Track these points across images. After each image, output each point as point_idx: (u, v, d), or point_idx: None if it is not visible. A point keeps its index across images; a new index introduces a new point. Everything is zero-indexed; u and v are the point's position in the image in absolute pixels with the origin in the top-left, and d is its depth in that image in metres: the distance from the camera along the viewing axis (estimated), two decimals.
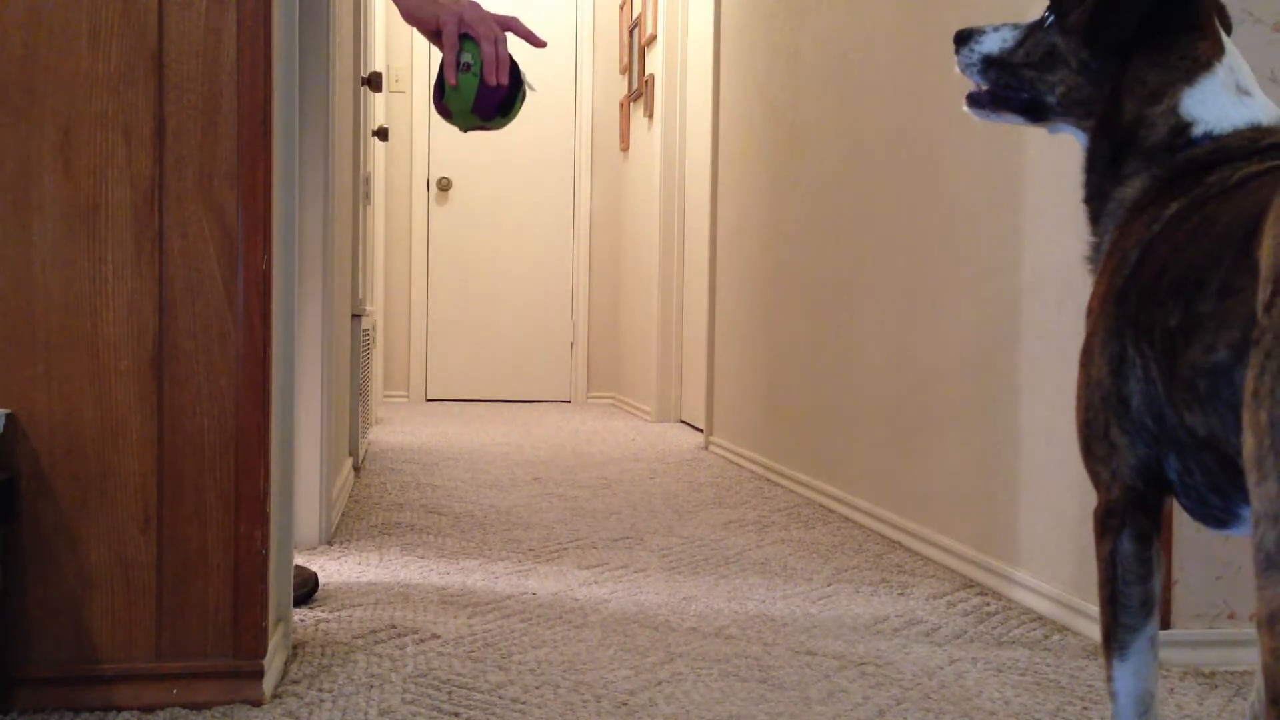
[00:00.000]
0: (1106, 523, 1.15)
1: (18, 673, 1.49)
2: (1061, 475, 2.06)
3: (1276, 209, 0.89)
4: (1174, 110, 1.17)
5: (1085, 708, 1.61)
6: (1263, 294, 0.86)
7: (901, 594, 2.25)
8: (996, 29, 1.33)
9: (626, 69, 6.41)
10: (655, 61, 5.69)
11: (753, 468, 3.94)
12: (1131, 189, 1.19)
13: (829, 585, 2.32)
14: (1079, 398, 1.17)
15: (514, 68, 1.65)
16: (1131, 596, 1.15)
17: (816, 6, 3.42)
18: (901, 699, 1.64)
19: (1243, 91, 1.16)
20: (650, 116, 5.81)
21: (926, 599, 2.22)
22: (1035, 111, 1.31)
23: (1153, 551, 1.15)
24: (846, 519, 3.05)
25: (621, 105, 6.55)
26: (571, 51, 6.73)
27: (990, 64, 1.32)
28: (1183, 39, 1.18)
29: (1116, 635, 1.15)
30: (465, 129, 1.68)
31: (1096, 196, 1.24)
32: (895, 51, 2.84)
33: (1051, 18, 1.27)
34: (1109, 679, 1.16)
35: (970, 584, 2.34)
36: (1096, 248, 1.24)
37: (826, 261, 3.30)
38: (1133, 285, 1.11)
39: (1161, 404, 1.07)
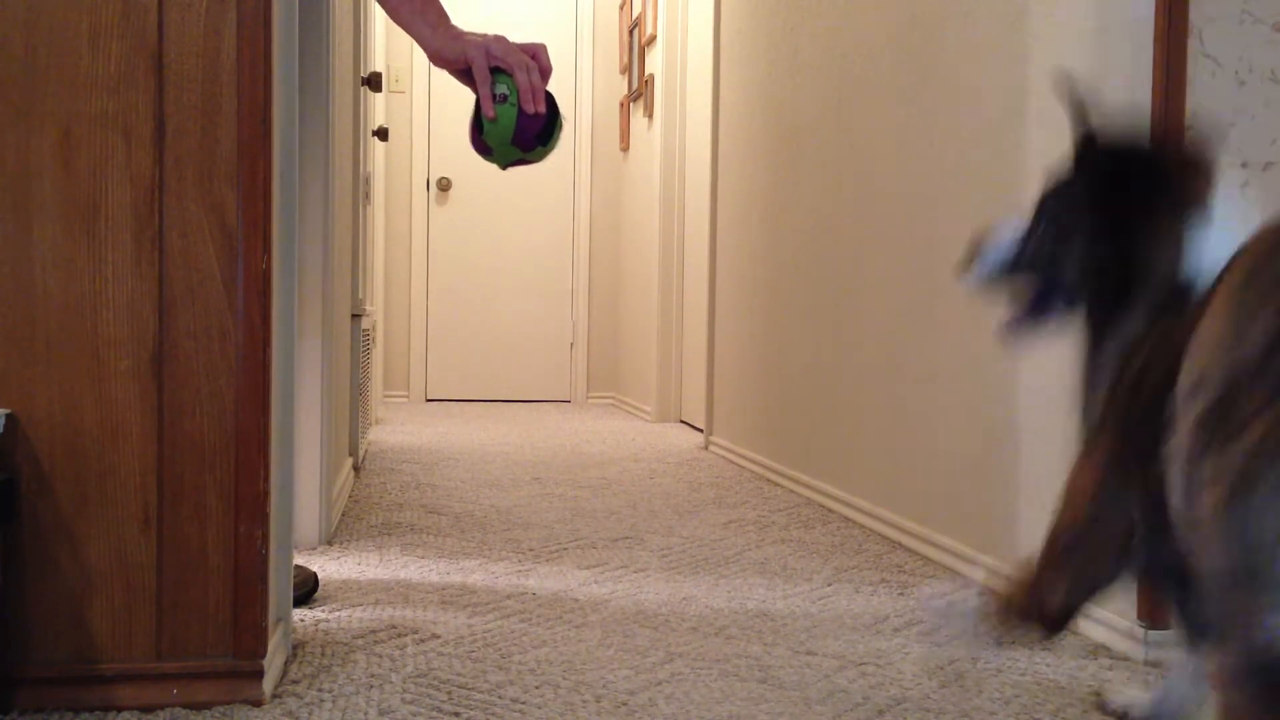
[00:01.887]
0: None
1: (18, 673, 1.49)
2: (1061, 475, 2.06)
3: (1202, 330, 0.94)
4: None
5: (1085, 708, 1.61)
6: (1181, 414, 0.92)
7: (901, 594, 2.25)
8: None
9: (626, 69, 6.41)
10: (655, 61, 5.69)
11: (753, 468, 3.94)
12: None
13: (829, 585, 2.32)
14: None
15: (549, 95, 1.62)
16: None
17: (816, 6, 3.42)
18: (901, 699, 1.64)
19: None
20: (650, 116, 5.81)
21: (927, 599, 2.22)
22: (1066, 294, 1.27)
23: None
24: (846, 519, 3.05)
25: (621, 105, 6.55)
26: (571, 51, 6.73)
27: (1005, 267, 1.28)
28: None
29: None
30: (505, 165, 1.63)
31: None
32: (895, 51, 2.84)
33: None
34: None
35: (970, 584, 2.34)
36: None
37: (827, 261, 3.30)
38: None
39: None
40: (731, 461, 4.19)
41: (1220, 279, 0.98)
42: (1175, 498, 0.93)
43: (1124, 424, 1.13)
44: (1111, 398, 1.17)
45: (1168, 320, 1.13)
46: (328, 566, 2.37)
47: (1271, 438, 0.84)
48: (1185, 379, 0.94)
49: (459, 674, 1.71)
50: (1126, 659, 1.85)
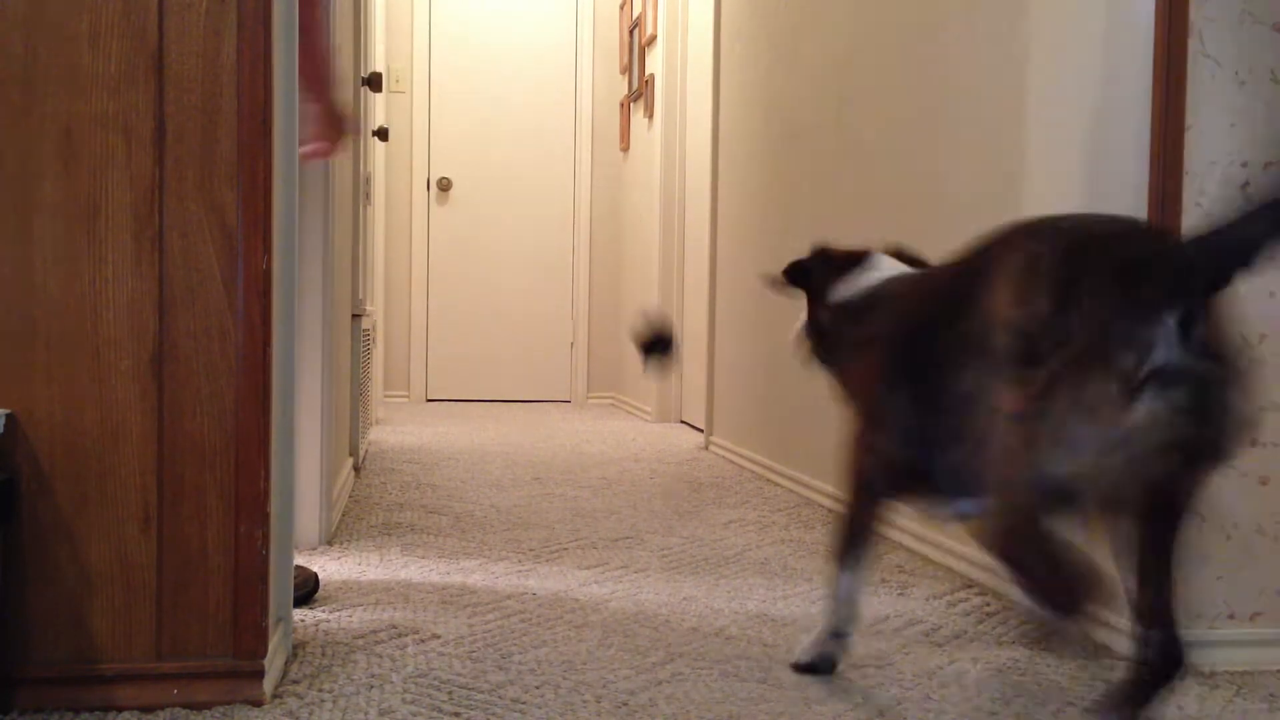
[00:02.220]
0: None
1: (18, 673, 1.49)
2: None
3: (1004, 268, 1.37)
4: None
5: (1085, 708, 1.61)
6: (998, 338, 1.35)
7: (901, 594, 2.25)
8: None
9: (626, 69, 6.41)
10: (655, 61, 5.69)
11: (753, 468, 3.94)
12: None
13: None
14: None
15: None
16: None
17: (816, 6, 3.42)
18: (901, 699, 1.64)
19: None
20: (650, 116, 5.81)
21: (926, 599, 2.22)
22: None
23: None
24: None
25: (621, 105, 6.55)
26: (571, 51, 6.73)
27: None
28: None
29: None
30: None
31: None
32: (895, 51, 2.84)
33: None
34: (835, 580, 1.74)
35: (970, 584, 2.34)
36: None
37: None
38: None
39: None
40: (731, 461, 4.19)
41: (987, 264, 1.41)
42: (980, 398, 1.36)
43: (889, 348, 1.62)
44: (864, 334, 1.75)
45: (890, 294, 1.76)
46: (328, 566, 2.37)
47: (1064, 368, 1.24)
48: (980, 325, 1.37)
49: (459, 674, 1.71)
50: (1127, 659, 1.84)
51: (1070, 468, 1.26)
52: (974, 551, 2.38)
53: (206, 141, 1.52)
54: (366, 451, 4.11)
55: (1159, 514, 1.38)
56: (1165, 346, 1.22)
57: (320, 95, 2.05)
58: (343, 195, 3.02)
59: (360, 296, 3.50)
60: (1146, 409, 1.22)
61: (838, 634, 1.76)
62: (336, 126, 2.09)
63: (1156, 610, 1.43)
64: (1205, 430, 1.25)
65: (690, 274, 5.39)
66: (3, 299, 1.48)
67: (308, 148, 2.08)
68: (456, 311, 6.68)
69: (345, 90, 2.99)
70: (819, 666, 1.77)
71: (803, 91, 3.54)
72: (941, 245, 2.58)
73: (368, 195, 4.03)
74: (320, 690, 1.62)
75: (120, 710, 1.51)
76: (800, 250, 2.25)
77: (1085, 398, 1.23)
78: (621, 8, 6.58)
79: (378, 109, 4.99)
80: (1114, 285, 1.25)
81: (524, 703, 1.59)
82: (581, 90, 6.73)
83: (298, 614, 1.99)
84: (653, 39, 5.76)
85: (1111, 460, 1.25)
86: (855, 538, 1.72)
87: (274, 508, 1.63)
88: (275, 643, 1.65)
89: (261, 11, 1.53)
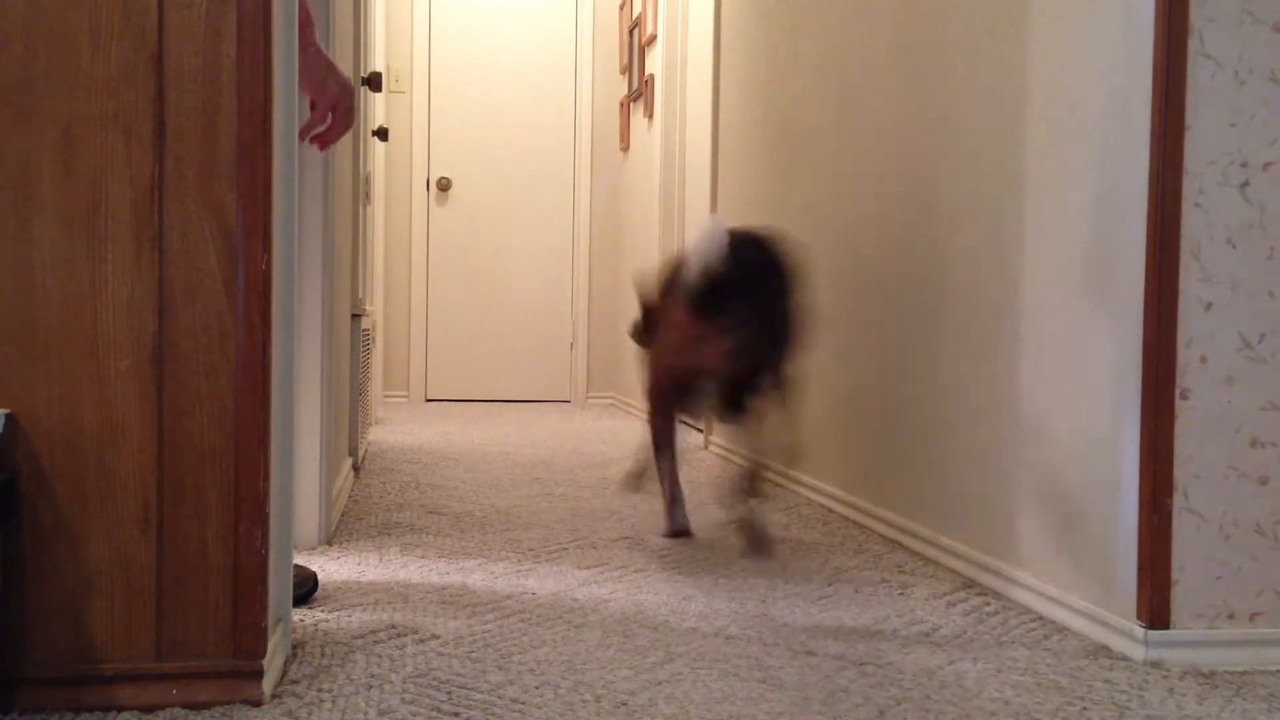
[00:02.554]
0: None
1: (18, 673, 1.49)
2: (1062, 475, 2.06)
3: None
4: None
5: (1085, 708, 1.62)
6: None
7: (901, 594, 2.25)
8: None
9: (626, 69, 6.41)
10: (655, 61, 5.69)
11: None
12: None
13: (829, 585, 2.32)
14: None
15: None
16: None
17: (816, 6, 3.42)
18: (901, 699, 1.64)
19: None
20: (650, 116, 5.81)
21: (926, 599, 2.22)
22: None
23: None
24: (846, 519, 3.05)
25: (621, 105, 6.55)
26: (571, 51, 6.73)
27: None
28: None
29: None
30: None
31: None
32: (895, 51, 2.84)
33: None
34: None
35: (970, 584, 2.34)
36: None
37: (826, 261, 3.30)
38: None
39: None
40: (732, 461, 4.19)
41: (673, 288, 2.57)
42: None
43: (691, 324, 2.48)
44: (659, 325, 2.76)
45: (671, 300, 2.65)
46: (328, 566, 2.37)
47: (701, 322, 2.42)
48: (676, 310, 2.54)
49: (459, 674, 1.71)
50: (1126, 659, 1.85)
51: (703, 363, 2.46)
52: (974, 551, 2.38)
53: (206, 141, 1.52)
54: (366, 451, 4.11)
55: (738, 389, 2.50)
56: (744, 314, 2.39)
57: (317, 87, 2.04)
58: (343, 195, 3.02)
59: (360, 296, 3.50)
60: (733, 340, 2.39)
61: (674, 499, 2.80)
62: (339, 105, 2.08)
63: (747, 440, 2.64)
64: (758, 353, 2.43)
65: None
66: (2, 299, 1.48)
67: (313, 132, 2.08)
68: (456, 311, 6.68)
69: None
70: (680, 528, 2.78)
71: (803, 91, 3.54)
72: (942, 245, 2.58)
73: (368, 195, 4.03)
74: (319, 690, 1.62)
75: (120, 710, 1.51)
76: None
77: (708, 335, 2.41)
78: (621, 8, 6.58)
79: (378, 109, 4.99)
80: (729, 282, 2.39)
81: (523, 703, 1.59)
82: (581, 90, 6.73)
83: (297, 614, 1.99)
84: (652, 39, 5.76)
85: (719, 361, 2.42)
86: (663, 433, 2.77)
87: (274, 508, 1.63)
88: (275, 643, 1.65)
89: (261, 11, 1.53)
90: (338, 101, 2.08)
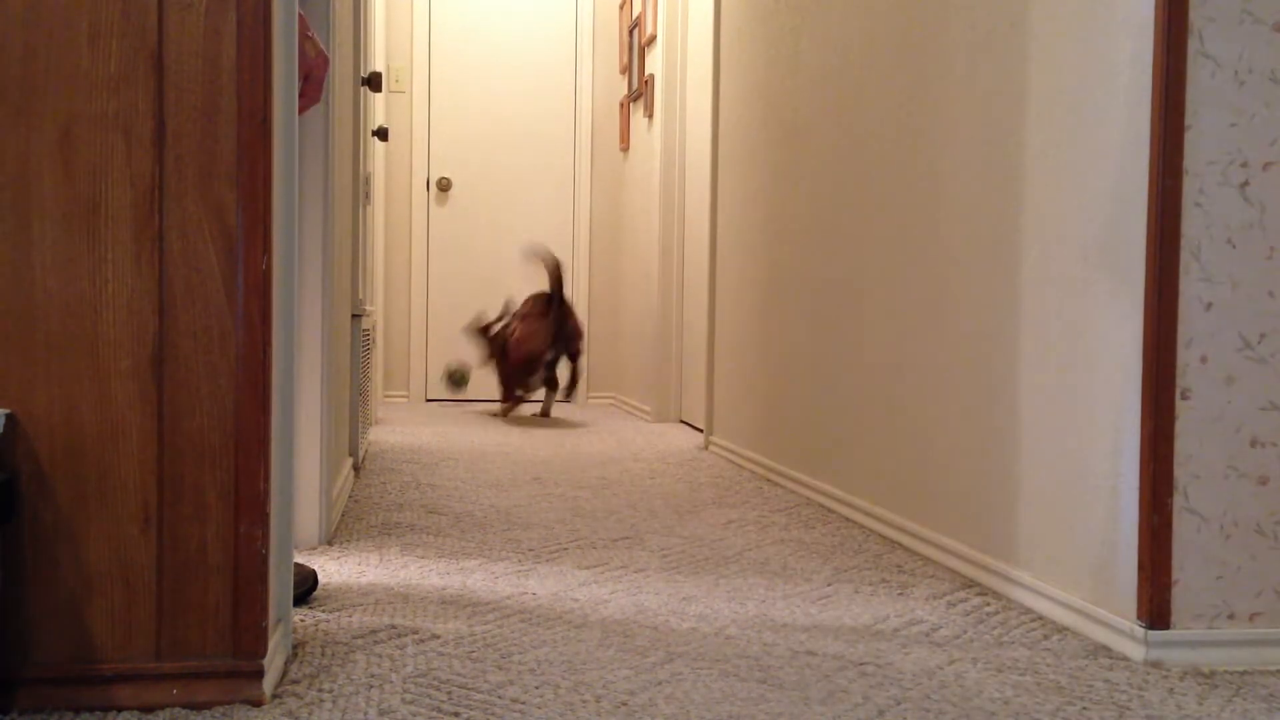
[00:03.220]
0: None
1: (18, 673, 1.49)
2: (1062, 475, 2.06)
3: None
4: None
5: (1085, 708, 1.62)
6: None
7: (901, 594, 2.25)
8: None
9: (626, 69, 6.41)
10: (655, 61, 5.69)
11: (753, 468, 3.94)
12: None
13: (829, 585, 2.32)
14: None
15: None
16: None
17: (816, 6, 3.42)
18: (901, 699, 1.64)
19: None
20: (650, 116, 5.81)
21: (926, 599, 2.22)
22: None
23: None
24: (846, 519, 3.05)
25: (621, 105, 6.55)
26: (571, 51, 6.73)
27: None
28: None
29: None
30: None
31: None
32: (895, 51, 2.84)
33: None
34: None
35: (970, 584, 2.34)
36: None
37: (826, 261, 3.30)
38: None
39: None
40: (731, 461, 4.19)
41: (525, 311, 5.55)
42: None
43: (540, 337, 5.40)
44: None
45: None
46: (328, 566, 2.37)
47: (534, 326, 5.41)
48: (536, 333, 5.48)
49: (459, 674, 1.71)
50: (1126, 659, 1.85)
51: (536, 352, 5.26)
52: (973, 551, 2.39)
53: (206, 141, 1.52)
54: (366, 451, 4.11)
55: (550, 365, 5.44)
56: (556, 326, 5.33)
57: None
58: (343, 195, 3.02)
59: (360, 296, 3.50)
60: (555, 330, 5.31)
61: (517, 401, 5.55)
62: (311, 74, 2.07)
63: (545, 409, 5.71)
64: (559, 345, 5.34)
65: (690, 274, 5.39)
66: (2, 299, 1.48)
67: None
68: (456, 311, 6.68)
69: (345, 90, 3.00)
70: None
71: (803, 91, 3.54)
72: (942, 244, 2.58)
73: (367, 195, 4.03)
74: (320, 690, 1.62)
75: (120, 710, 1.51)
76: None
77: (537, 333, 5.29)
78: (621, 8, 6.57)
79: (378, 109, 4.99)
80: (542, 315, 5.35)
81: (523, 703, 1.59)
82: (581, 90, 6.73)
83: (297, 614, 1.99)
84: (652, 39, 5.75)
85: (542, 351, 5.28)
86: (511, 410, 5.48)
87: (274, 508, 1.63)
88: (275, 643, 1.65)
89: (261, 11, 1.53)
90: (311, 69, 2.04)
